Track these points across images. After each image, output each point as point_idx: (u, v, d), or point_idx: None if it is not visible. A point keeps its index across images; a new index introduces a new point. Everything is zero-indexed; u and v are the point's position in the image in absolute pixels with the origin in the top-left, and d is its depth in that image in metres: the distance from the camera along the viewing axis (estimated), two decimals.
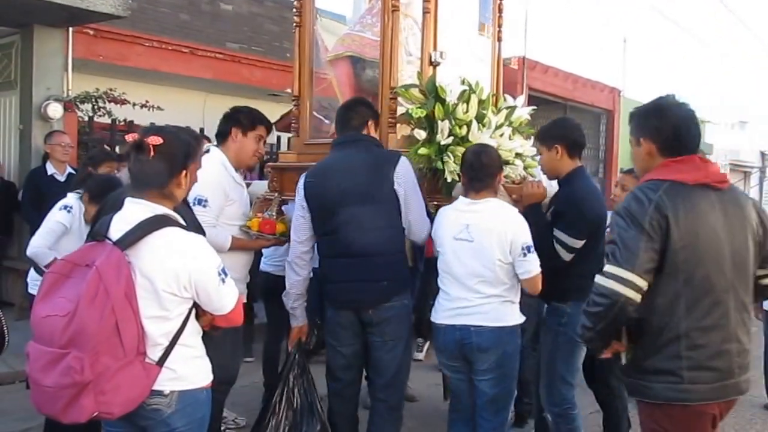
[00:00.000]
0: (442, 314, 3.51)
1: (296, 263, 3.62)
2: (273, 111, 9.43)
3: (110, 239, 2.32)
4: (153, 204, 2.39)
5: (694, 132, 2.59)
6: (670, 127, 2.56)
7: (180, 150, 2.45)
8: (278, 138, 9.87)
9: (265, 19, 11.40)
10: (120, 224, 2.36)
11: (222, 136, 3.82)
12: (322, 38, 4.54)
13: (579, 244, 3.51)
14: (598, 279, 2.47)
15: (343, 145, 3.58)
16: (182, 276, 2.32)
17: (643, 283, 2.40)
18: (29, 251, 4.25)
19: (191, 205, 3.35)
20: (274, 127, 9.20)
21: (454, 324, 3.45)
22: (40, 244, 4.24)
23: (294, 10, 4.35)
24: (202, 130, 9.52)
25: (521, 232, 3.37)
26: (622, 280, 2.40)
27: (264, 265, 4.95)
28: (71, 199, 4.50)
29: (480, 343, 3.40)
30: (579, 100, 16.56)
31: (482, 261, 3.39)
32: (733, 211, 2.52)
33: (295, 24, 4.35)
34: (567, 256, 3.53)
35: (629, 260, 2.40)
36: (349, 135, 3.59)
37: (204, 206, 3.50)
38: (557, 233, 3.53)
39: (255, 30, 11.22)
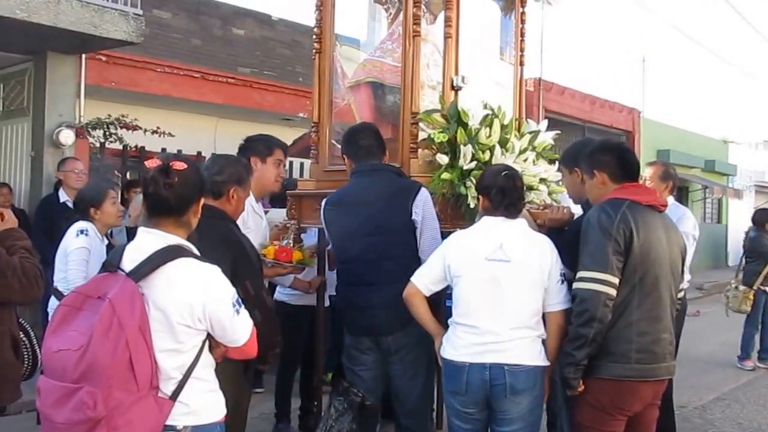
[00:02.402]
0: (465, 351, 3.16)
1: None
2: (285, 135, 9.48)
3: (123, 270, 2.32)
4: (166, 234, 2.40)
5: (634, 162, 3.32)
6: (618, 160, 3.26)
7: (200, 177, 2.51)
8: (290, 163, 9.97)
9: (276, 44, 11.58)
10: (133, 254, 2.36)
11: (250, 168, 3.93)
12: (341, 64, 4.67)
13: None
14: (577, 285, 3.04)
15: (364, 174, 3.68)
16: (197, 308, 2.31)
17: (615, 280, 3.00)
18: (66, 288, 4.35)
19: None
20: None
21: (483, 363, 3.11)
22: (75, 279, 4.33)
23: (314, 36, 4.51)
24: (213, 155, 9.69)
25: (557, 256, 3.24)
26: (598, 281, 2.98)
27: (279, 294, 5.03)
28: (83, 223, 4.63)
29: (514, 385, 3.10)
30: (597, 122, 16.64)
31: (524, 283, 3.16)
32: (669, 228, 3.24)
33: (314, 51, 4.51)
34: None
35: (601, 263, 2.99)
36: (371, 164, 3.69)
37: None
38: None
39: (267, 54, 11.40)
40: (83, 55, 7.62)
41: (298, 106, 10.90)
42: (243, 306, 2.46)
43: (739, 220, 21.82)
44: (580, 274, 3.05)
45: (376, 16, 5.29)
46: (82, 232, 4.57)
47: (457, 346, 3.19)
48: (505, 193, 3.24)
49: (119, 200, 5.63)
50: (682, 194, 21.09)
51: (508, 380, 3.09)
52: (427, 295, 3.32)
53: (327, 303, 4.71)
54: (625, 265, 3.03)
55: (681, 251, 3.29)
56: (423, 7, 4.15)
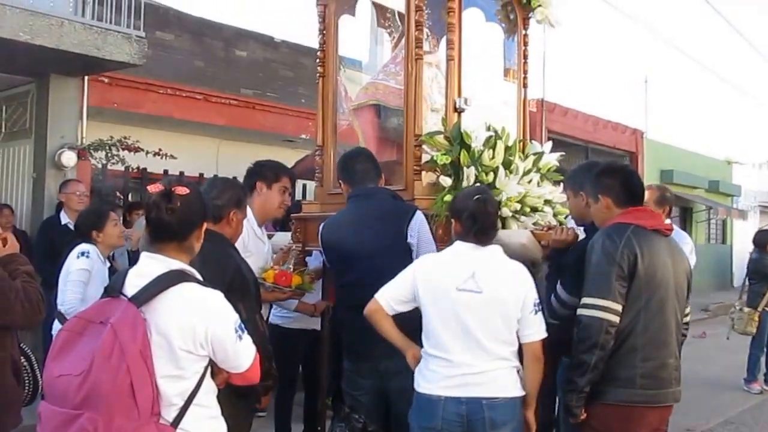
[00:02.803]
0: (439, 384, 3.03)
1: None
2: (288, 157, 9.59)
3: (125, 295, 2.33)
4: (169, 259, 2.42)
5: (639, 187, 3.33)
6: (623, 184, 3.27)
7: (202, 202, 2.54)
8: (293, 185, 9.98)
9: (279, 65, 11.63)
10: (136, 279, 2.37)
11: (248, 190, 3.96)
12: (345, 87, 4.71)
13: (575, 301, 3.24)
14: (580, 311, 3.05)
15: (360, 198, 3.72)
16: (199, 333, 2.31)
17: (618, 307, 3.00)
18: (65, 309, 4.36)
19: None
20: None
21: (459, 396, 3.00)
22: (72, 299, 4.36)
23: (317, 60, 4.55)
24: (215, 177, 9.71)
25: (533, 285, 3.13)
26: (600, 308, 2.99)
27: (273, 318, 5.01)
28: (85, 245, 4.66)
29: (494, 418, 2.99)
30: (600, 143, 16.70)
31: (496, 314, 3.03)
32: (675, 253, 3.23)
33: (318, 74, 4.55)
34: (561, 311, 3.39)
35: (604, 290, 3.00)
36: (367, 188, 3.73)
37: None
38: (558, 285, 3.45)
39: (269, 76, 11.45)
40: (86, 77, 7.68)
41: (301, 128, 10.94)
42: (246, 332, 2.45)
43: (743, 241, 21.80)
44: (584, 300, 3.05)
45: (378, 39, 5.34)
46: (83, 254, 4.60)
47: (430, 380, 3.07)
48: (476, 219, 3.11)
49: (121, 222, 5.67)
50: (685, 215, 21.14)
51: (486, 414, 2.99)
52: (391, 314, 3.19)
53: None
54: (630, 290, 3.03)
55: (687, 275, 3.28)
56: (426, 30, 4.18)
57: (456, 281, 3.05)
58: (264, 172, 4.03)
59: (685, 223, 20.97)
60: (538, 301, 3.11)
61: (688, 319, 3.46)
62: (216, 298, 2.41)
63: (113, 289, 2.38)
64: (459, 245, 3.17)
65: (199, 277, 2.46)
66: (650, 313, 3.05)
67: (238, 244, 3.62)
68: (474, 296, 3.03)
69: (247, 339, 2.45)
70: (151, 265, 2.40)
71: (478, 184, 3.73)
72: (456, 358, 3.02)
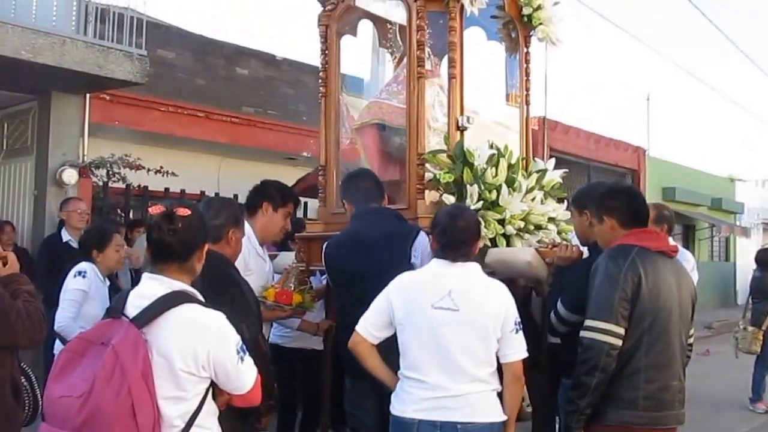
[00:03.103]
0: (413, 406, 2.97)
1: None
2: (289, 174, 9.65)
3: (127, 316, 2.33)
4: (170, 279, 2.43)
5: (645, 208, 3.32)
6: (628, 205, 3.26)
7: (203, 223, 2.57)
8: None
9: (281, 83, 11.72)
10: (137, 300, 2.37)
11: (251, 209, 3.99)
12: (347, 106, 4.77)
13: (573, 318, 3.28)
14: (582, 333, 3.02)
15: (363, 218, 3.74)
16: (201, 354, 2.31)
17: (620, 330, 2.98)
18: (56, 327, 4.37)
19: None
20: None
21: (434, 420, 2.92)
22: (64, 317, 4.37)
23: (320, 80, 4.59)
24: (217, 194, 9.73)
25: (513, 303, 3.06)
26: (603, 331, 2.97)
27: (272, 337, 4.99)
28: (83, 264, 4.65)
29: None
30: (602, 160, 16.67)
31: (474, 333, 2.96)
32: (680, 274, 3.21)
33: (320, 94, 4.59)
34: (560, 328, 3.40)
35: (606, 313, 2.98)
36: (370, 208, 3.76)
37: None
38: (558, 305, 3.42)
39: (271, 93, 11.54)
40: (88, 95, 7.74)
41: (302, 145, 11.01)
42: (247, 353, 2.45)
43: (747, 258, 21.78)
44: (587, 322, 3.05)
45: (380, 58, 5.37)
46: (80, 273, 4.61)
47: (405, 402, 3.01)
48: (445, 232, 3.08)
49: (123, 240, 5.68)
50: (688, 232, 21.14)
51: None
52: (375, 343, 3.12)
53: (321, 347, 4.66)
54: (633, 313, 3.02)
55: (692, 297, 3.26)
56: (427, 50, 4.23)
57: (432, 299, 2.99)
58: (272, 194, 4.04)
59: (688, 240, 20.98)
60: (519, 320, 3.04)
61: (692, 340, 3.44)
62: (218, 319, 2.41)
63: (115, 310, 2.39)
64: (434, 263, 3.14)
65: (200, 298, 2.47)
66: (653, 335, 3.04)
67: (239, 263, 3.62)
68: (451, 314, 2.96)
69: (248, 360, 2.45)
70: (152, 286, 2.41)
71: (481, 203, 3.75)
72: (432, 379, 2.95)
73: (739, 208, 23.65)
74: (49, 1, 6.95)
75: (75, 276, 4.58)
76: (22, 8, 6.56)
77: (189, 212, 2.45)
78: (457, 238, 3.08)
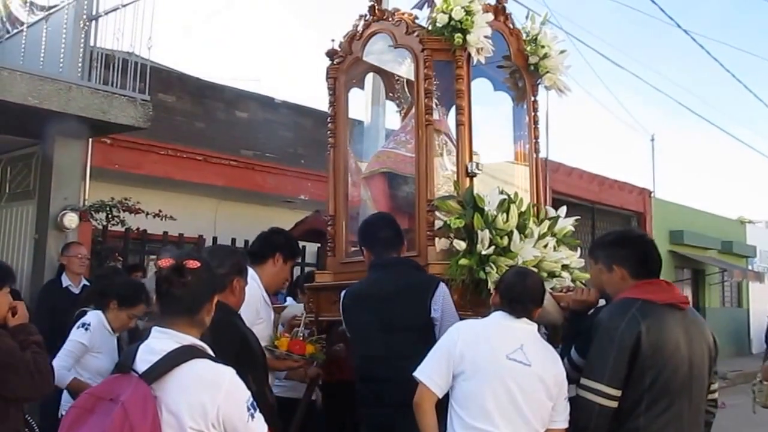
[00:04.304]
0: None
1: None
2: (287, 218, 9.90)
3: (136, 371, 2.37)
4: (180, 334, 2.47)
5: (656, 257, 3.29)
6: (638, 255, 3.25)
7: (213, 275, 2.65)
8: None
9: (279, 126, 11.96)
10: (146, 355, 2.41)
11: (261, 257, 4.16)
12: (355, 159, 5.03)
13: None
14: (577, 391, 3.06)
15: (382, 268, 3.88)
16: (210, 411, 2.33)
17: (614, 392, 2.98)
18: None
19: None
20: None
21: None
22: (57, 366, 4.43)
23: (328, 132, 4.84)
24: (215, 239, 9.99)
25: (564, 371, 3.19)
26: (595, 391, 3.00)
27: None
28: (90, 315, 4.74)
29: None
30: (607, 203, 16.68)
31: (544, 392, 3.08)
32: (693, 328, 3.16)
33: (329, 145, 4.83)
34: (574, 375, 3.32)
35: (600, 373, 3.01)
36: (389, 258, 3.92)
37: None
38: (572, 351, 3.42)
39: (269, 136, 11.77)
40: (90, 140, 7.94)
41: (300, 188, 11.21)
42: (258, 410, 2.49)
43: (761, 304, 21.70)
44: (581, 380, 3.10)
45: (380, 101, 5.67)
46: (83, 325, 4.67)
47: None
48: (515, 288, 3.25)
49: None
50: (698, 277, 21.09)
51: None
52: (440, 396, 3.18)
53: (314, 397, 4.77)
54: (632, 371, 3.00)
55: (709, 350, 3.19)
56: (435, 100, 4.45)
57: (505, 349, 3.10)
58: (287, 246, 4.22)
59: (698, 285, 20.94)
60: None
61: (716, 395, 3.35)
62: (228, 375, 2.44)
63: (124, 366, 2.44)
64: (499, 315, 3.26)
65: (210, 352, 2.51)
66: (654, 394, 3.00)
67: (251, 311, 3.80)
68: (523, 368, 3.07)
69: (259, 417, 2.47)
70: (161, 341, 2.46)
71: (493, 248, 3.94)
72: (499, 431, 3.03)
73: (751, 251, 23.51)
74: (57, 48, 7.19)
75: (78, 327, 4.65)
76: (30, 55, 6.80)
77: (199, 264, 2.51)
78: (526, 297, 3.24)
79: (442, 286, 3.74)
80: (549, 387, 3.10)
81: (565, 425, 3.16)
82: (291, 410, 4.64)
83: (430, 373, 3.20)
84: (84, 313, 5.12)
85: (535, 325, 3.28)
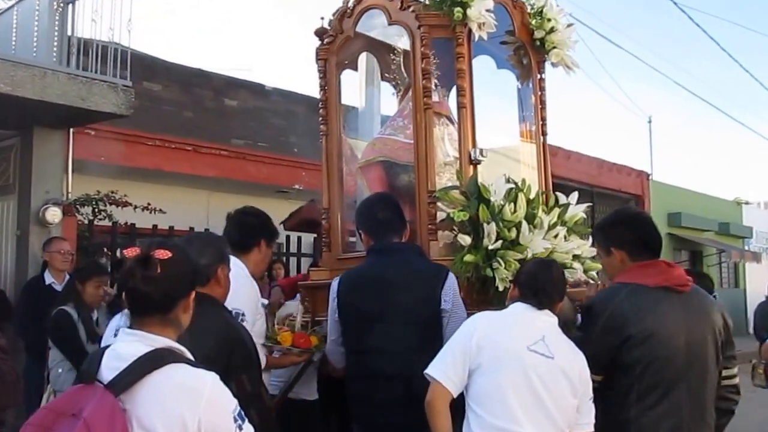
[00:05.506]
0: None
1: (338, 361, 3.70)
2: (281, 208, 9.65)
3: (101, 381, 2.04)
4: (152, 335, 2.13)
5: (656, 236, 3.13)
6: (636, 236, 3.09)
7: (189, 267, 2.27)
8: (287, 237, 9.94)
9: (271, 114, 11.80)
10: (113, 361, 2.08)
11: (247, 247, 3.79)
12: (350, 146, 4.69)
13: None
14: None
15: (383, 253, 3.58)
16: (191, 425, 2.02)
17: (594, 377, 2.88)
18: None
19: None
20: (283, 225, 9.35)
21: None
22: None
23: (320, 118, 4.48)
24: (207, 230, 9.67)
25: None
26: None
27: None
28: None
29: None
30: (605, 186, 16.81)
31: (569, 387, 2.81)
32: (694, 312, 2.99)
33: (321, 132, 4.47)
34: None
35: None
36: (391, 243, 3.61)
37: (243, 321, 3.44)
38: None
39: (261, 125, 11.60)
40: (71, 130, 7.66)
41: (294, 178, 11.06)
42: (246, 420, 2.17)
43: (758, 284, 21.85)
44: None
45: (374, 82, 5.29)
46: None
47: None
48: (537, 279, 3.00)
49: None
50: (695, 258, 21.19)
51: None
52: (455, 395, 2.89)
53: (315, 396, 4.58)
54: (621, 358, 2.87)
55: (715, 335, 3.01)
56: (434, 81, 4.12)
57: (526, 340, 2.85)
58: (267, 230, 3.89)
59: (696, 267, 21.01)
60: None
61: (736, 380, 3.21)
62: (210, 382, 2.11)
63: (87, 374, 2.09)
64: (519, 306, 3.00)
65: (189, 356, 2.18)
66: (646, 382, 2.85)
67: (251, 307, 3.56)
68: (546, 361, 2.82)
69: (248, 429, 2.16)
70: (130, 344, 2.12)
71: (500, 242, 3.64)
72: (525, 430, 2.77)
73: (748, 232, 23.81)
74: (29, 33, 6.91)
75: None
76: (1, 40, 6.51)
77: (170, 254, 2.14)
78: (551, 287, 2.99)
79: (452, 276, 3.48)
80: (574, 383, 2.83)
81: (591, 429, 2.87)
82: (283, 410, 4.41)
83: (444, 369, 2.90)
84: (62, 311, 5.13)
85: (556, 318, 3.00)
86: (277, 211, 8.83)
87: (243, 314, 3.46)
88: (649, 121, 22.91)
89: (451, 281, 3.45)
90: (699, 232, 20.53)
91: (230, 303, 3.14)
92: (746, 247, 23.68)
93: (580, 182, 15.55)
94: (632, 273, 3.01)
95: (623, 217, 3.31)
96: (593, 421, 2.87)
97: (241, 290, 3.35)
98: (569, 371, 2.83)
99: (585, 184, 15.85)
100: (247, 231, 3.83)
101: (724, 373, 3.15)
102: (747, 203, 25.15)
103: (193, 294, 2.26)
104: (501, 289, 3.60)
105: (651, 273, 3.00)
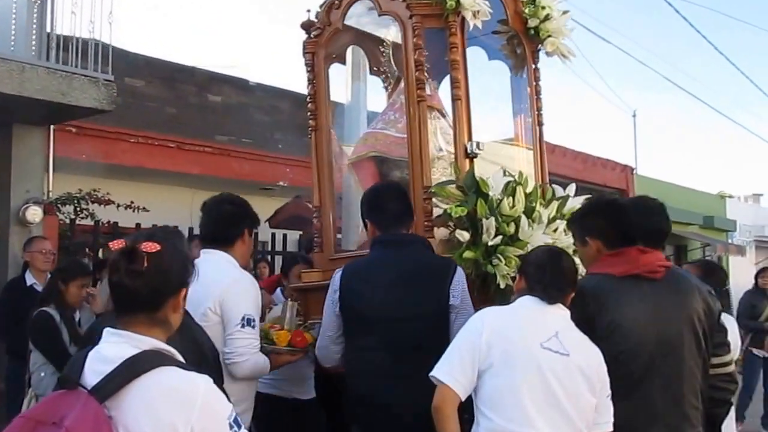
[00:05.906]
0: None
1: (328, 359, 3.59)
2: (266, 206, 9.49)
3: (84, 386, 1.91)
4: (139, 336, 1.98)
5: (630, 222, 2.99)
6: (608, 223, 2.98)
7: (180, 261, 2.09)
8: (273, 235, 9.80)
9: (255, 110, 11.68)
10: (97, 365, 1.94)
11: (231, 240, 3.60)
12: (339, 143, 4.56)
13: None
14: None
15: (391, 245, 3.44)
16: None
17: None
18: None
19: (241, 326, 3.30)
20: (267, 224, 9.22)
21: None
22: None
23: (309, 113, 4.34)
24: (191, 230, 9.51)
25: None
26: None
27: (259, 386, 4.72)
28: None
29: None
30: (590, 180, 16.75)
31: (586, 384, 2.65)
32: (667, 300, 2.86)
33: (310, 128, 4.33)
34: None
35: None
36: (399, 235, 3.47)
37: (253, 327, 3.37)
38: None
39: (245, 121, 11.47)
40: (52, 126, 7.53)
41: (278, 175, 10.98)
42: (243, 426, 2.04)
43: (742, 278, 21.96)
44: None
45: (361, 76, 5.15)
46: None
47: None
48: (546, 271, 2.82)
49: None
50: (680, 252, 21.26)
51: None
52: (464, 398, 2.73)
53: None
54: None
55: (693, 323, 2.87)
56: (425, 72, 3.98)
57: (538, 337, 2.68)
58: (248, 217, 3.73)
59: (680, 260, 21.11)
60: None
61: (731, 368, 3.10)
62: (203, 385, 1.97)
63: (69, 379, 1.96)
64: (528, 300, 2.82)
65: (180, 358, 2.04)
66: (611, 375, 2.70)
67: (258, 312, 3.47)
68: (561, 358, 2.65)
69: None
70: (116, 346, 1.97)
71: (500, 237, 3.54)
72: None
73: (732, 225, 23.94)
74: (7, 27, 6.76)
75: None
76: None
77: (158, 247, 1.98)
78: (562, 279, 2.81)
79: (460, 271, 3.36)
80: (591, 380, 2.67)
81: (610, 428, 2.71)
82: (275, 409, 4.40)
83: (451, 371, 2.74)
84: (44, 312, 5.02)
85: (569, 312, 2.82)
86: (262, 208, 8.70)
87: (254, 320, 3.38)
88: (634, 116, 22.98)
89: (460, 276, 3.32)
90: (683, 226, 20.56)
91: (241, 310, 3.25)
92: (730, 241, 23.79)
93: (565, 176, 15.49)
94: (601, 263, 2.93)
95: (596, 206, 3.21)
96: (612, 419, 2.72)
97: (252, 293, 3.41)
98: (586, 368, 2.68)
99: (569, 179, 15.74)
100: (231, 224, 3.64)
101: (714, 360, 2.99)
102: (731, 197, 25.29)
103: (184, 292, 2.09)
104: (502, 286, 3.49)
105: (618, 262, 2.89)
